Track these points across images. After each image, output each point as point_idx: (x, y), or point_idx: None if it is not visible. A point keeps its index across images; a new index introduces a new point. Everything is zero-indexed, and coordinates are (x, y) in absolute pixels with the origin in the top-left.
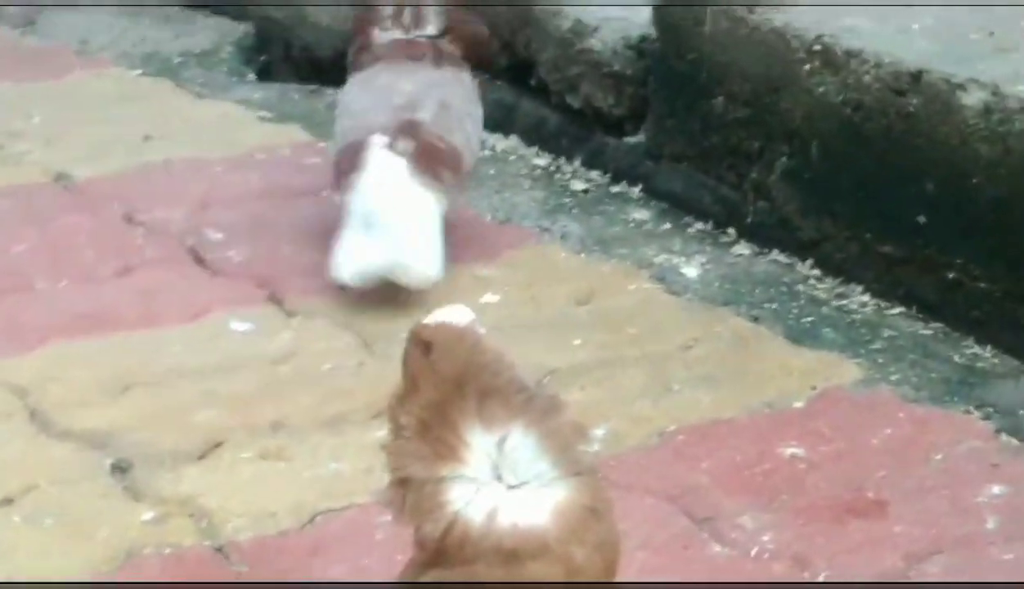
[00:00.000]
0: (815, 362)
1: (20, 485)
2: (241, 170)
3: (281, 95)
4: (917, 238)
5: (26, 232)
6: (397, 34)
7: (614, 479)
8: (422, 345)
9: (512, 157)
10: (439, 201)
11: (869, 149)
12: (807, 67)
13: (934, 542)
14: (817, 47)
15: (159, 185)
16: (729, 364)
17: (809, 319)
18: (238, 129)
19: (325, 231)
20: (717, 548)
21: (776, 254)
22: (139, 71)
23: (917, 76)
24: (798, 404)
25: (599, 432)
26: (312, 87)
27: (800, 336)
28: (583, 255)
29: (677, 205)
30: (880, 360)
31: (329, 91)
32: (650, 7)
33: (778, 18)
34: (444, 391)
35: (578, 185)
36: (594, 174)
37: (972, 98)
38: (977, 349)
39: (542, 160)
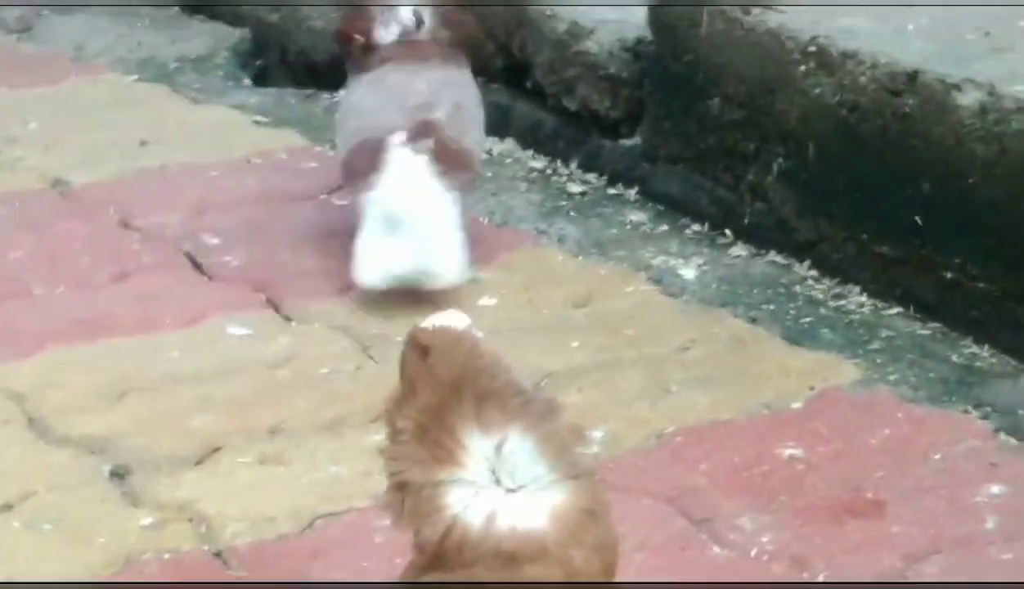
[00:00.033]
0: (813, 363)
1: (19, 491)
2: (237, 175)
3: (277, 100)
4: (914, 238)
5: (23, 238)
6: (398, 35)
7: (612, 481)
8: (419, 349)
9: (508, 160)
10: (457, 202)
11: (865, 150)
12: (803, 68)
13: (933, 542)
14: (812, 48)
15: (155, 190)
16: (727, 365)
17: (807, 320)
18: (234, 134)
19: (322, 235)
20: (716, 549)
21: (773, 255)
22: (135, 76)
23: (913, 76)
24: (796, 405)
25: (597, 434)
26: (308, 91)
27: (798, 337)
28: (580, 257)
29: (674, 207)
30: (878, 360)
31: (325, 95)
32: (645, 9)
33: (773, 19)
34: (441, 395)
35: (575, 187)
36: (591, 176)
37: (968, 98)
38: (975, 349)
39: (538, 163)
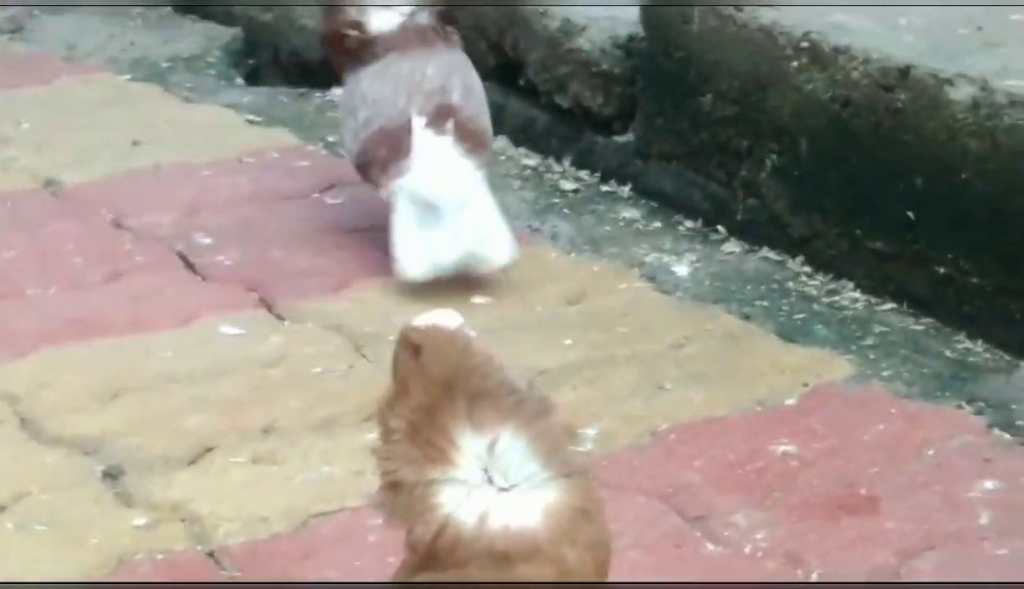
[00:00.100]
0: (807, 359)
1: (11, 492)
2: (230, 174)
3: (270, 99)
4: (907, 234)
5: (15, 238)
6: (397, 22)
7: (606, 479)
8: (412, 348)
9: (501, 157)
10: (484, 180)
11: (858, 145)
12: (795, 64)
13: (926, 538)
14: (805, 44)
15: (148, 190)
16: (720, 362)
17: (800, 316)
18: (227, 133)
19: (315, 234)
20: (710, 546)
21: (766, 251)
22: (127, 76)
23: (905, 72)
24: (790, 401)
25: (591, 432)
26: (301, 90)
27: (791, 333)
28: (573, 255)
29: (667, 204)
30: (872, 356)
31: (318, 94)
32: (638, 6)
33: (766, 15)
34: (434, 394)
35: (568, 185)
36: (583, 173)
37: (960, 93)
38: (969, 344)
39: (531, 160)
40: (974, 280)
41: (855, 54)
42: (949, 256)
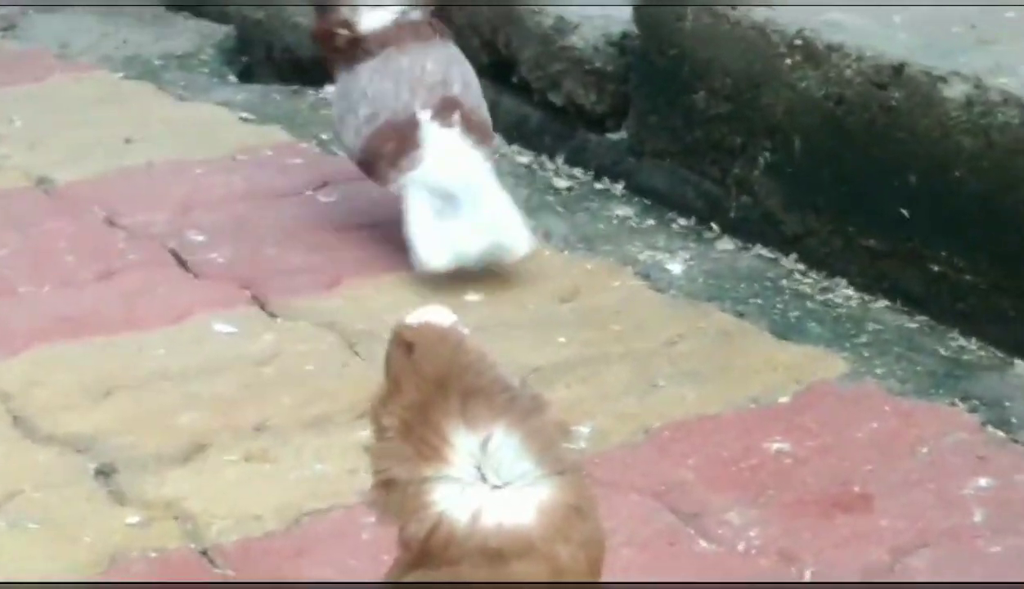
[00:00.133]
0: (800, 357)
1: (4, 490)
2: (223, 172)
3: (263, 96)
4: (901, 231)
5: (7, 236)
6: (389, 19)
7: (599, 476)
8: (404, 346)
9: (494, 155)
10: (492, 173)
11: (851, 143)
12: (788, 61)
13: (920, 535)
14: (798, 41)
15: (141, 188)
16: (714, 360)
17: (794, 314)
18: (220, 131)
19: (308, 232)
20: (703, 544)
21: (760, 249)
22: (120, 74)
23: (899, 69)
24: (784, 399)
25: (584, 430)
26: (294, 88)
27: (785, 331)
28: (567, 252)
29: (660, 201)
30: (865, 354)
31: (311, 92)
32: (631, 4)
33: (759, 13)
34: (427, 392)
35: (561, 182)
36: (577, 171)
37: (954, 91)
38: (962, 341)
39: (524, 158)
40: (968, 278)
41: (848, 52)
42: (943, 253)
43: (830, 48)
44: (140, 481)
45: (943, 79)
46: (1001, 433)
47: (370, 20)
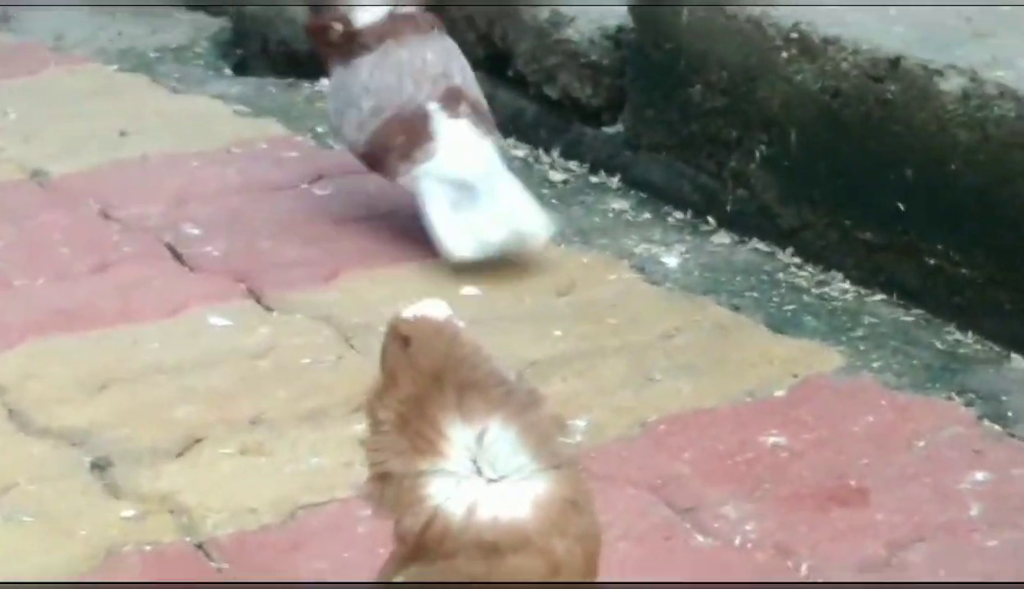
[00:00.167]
0: (796, 350)
1: None
2: (218, 165)
3: (258, 89)
4: (897, 225)
5: (2, 229)
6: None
7: (595, 470)
8: (400, 339)
9: (502, 144)
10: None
11: (847, 136)
12: (784, 55)
13: (916, 529)
14: (794, 35)
15: (135, 181)
16: (710, 353)
17: (790, 307)
18: (215, 124)
19: (303, 225)
20: (699, 538)
21: (756, 242)
22: (115, 67)
23: (895, 62)
24: (780, 392)
25: (580, 423)
26: (289, 81)
27: (781, 324)
28: (563, 246)
29: (656, 195)
30: (862, 347)
31: (306, 85)
32: None
33: (755, 6)
34: (422, 385)
35: (557, 176)
36: (572, 164)
37: (950, 84)
38: (959, 335)
39: (520, 151)
40: (964, 271)
41: (845, 45)
42: (939, 247)
43: (826, 41)
44: (135, 474)
45: (939, 72)
46: (997, 427)
47: (365, 14)
